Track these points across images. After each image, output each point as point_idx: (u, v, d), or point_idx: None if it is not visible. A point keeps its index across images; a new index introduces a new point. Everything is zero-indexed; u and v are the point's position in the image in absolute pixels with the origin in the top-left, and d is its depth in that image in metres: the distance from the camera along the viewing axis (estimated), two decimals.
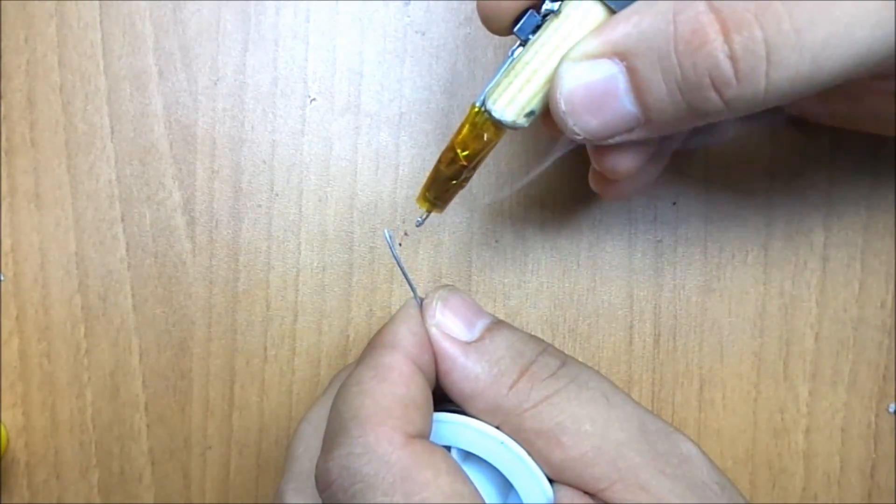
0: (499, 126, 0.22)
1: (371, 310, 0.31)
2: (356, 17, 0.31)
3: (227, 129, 0.31)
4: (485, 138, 0.22)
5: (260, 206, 0.31)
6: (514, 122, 0.22)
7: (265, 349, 0.32)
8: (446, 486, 0.20)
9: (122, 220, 0.31)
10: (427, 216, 0.25)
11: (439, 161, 0.24)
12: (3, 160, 0.31)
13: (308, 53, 0.31)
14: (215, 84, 0.31)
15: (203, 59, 0.31)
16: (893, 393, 0.30)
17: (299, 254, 0.31)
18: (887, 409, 0.30)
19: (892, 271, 0.30)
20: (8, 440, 0.32)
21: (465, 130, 0.23)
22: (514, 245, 0.31)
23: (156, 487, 0.32)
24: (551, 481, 0.22)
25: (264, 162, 0.31)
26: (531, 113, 0.22)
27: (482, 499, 0.21)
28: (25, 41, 0.31)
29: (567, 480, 0.22)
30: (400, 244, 0.31)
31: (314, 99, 0.31)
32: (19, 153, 0.31)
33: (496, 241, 0.31)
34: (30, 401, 0.32)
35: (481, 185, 0.31)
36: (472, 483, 0.21)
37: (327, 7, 0.31)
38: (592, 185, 0.26)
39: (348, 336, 0.31)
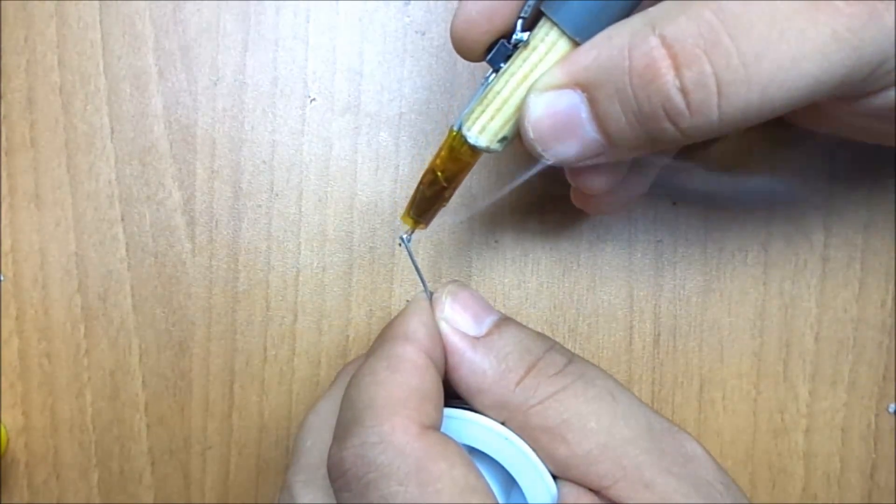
0: (474, 150, 0.23)
1: (371, 310, 0.31)
2: (356, 17, 0.31)
3: (226, 129, 0.31)
4: (462, 161, 0.23)
5: (260, 206, 0.31)
6: (487, 147, 0.23)
7: (265, 349, 0.32)
8: (460, 478, 0.20)
9: (122, 220, 0.31)
10: (412, 233, 0.26)
11: (421, 182, 0.24)
12: (3, 160, 0.31)
13: (308, 53, 0.31)
14: (215, 84, 0.31)
15: (203, 59, 0.31)
16: (893, 393, 0.30)
17: (299, 254, 0.31)
18: (887, 409, 0.30)
19: (892, 271, 0.30)
20: (8, 440, 0.32)
21: (443, 153, 0.24)
22: (514, 245, 0.31)
23: (156, 487, 0.32)
24: (555, 478, 0.22)
25: (264, 162, 0.31)
26: (504, 139, 0.23)
27: (493, 492, 0.21)
28: (25, 41, 0.31)
29: (572, 477, 0.22)
30: (400, 244, 0.31)
31: (314, 99, 0.31)
32: (19, 153, 0.31)
33: (496, 241, 0.31)
34: (30, 401, 0.32)
35: (481, 187, 0.31)
36: (483, 476, 0.21)
37: (327, 7, 0.31)
38: (574, 201, 0.27)
39: (348, 336, 0.31)
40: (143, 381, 0.32)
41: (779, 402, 0.31)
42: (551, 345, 0.24)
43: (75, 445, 0.32)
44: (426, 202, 0.25)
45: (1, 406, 0.32)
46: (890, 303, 0.30)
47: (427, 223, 0.25)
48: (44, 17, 0.31)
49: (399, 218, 0.25)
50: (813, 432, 0.30)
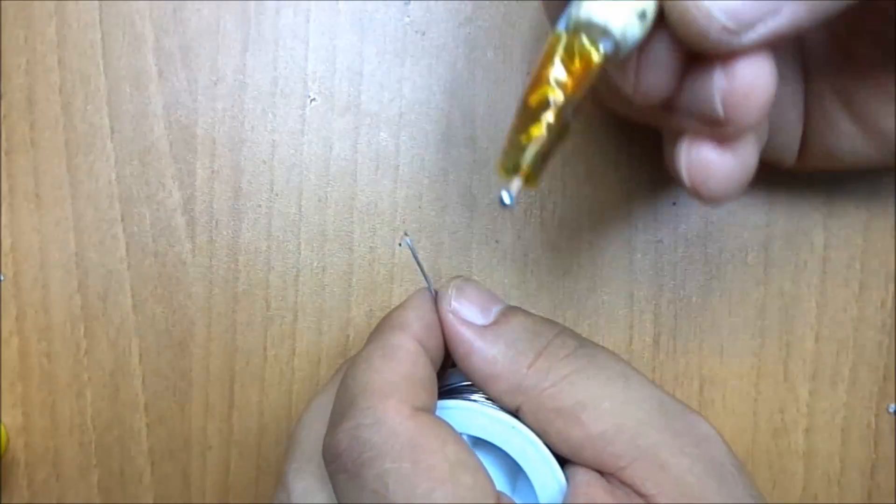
0: (595, 44, 0.16)
1: (371, 310, 0.31)
2: (356, 17, 0.31)
3: (226, 129, 0.31)
4: (582, 68, 0.17)
5: (260, 206, 0.31)
6: (622, 31, 0.16)
7: (265, 349, 0.32)
8: (452, 455, 0.20)
9: (122, 220, 0.31)
10: (516, 189, 0.18)
11: (523, 107, 0.17)
12: (3, 160, 0.31)
13: (308, 53, 0.31)
14: (215, 84, 0.31)
15: (203, 59, 0.31)
16: (893, 393, 0.30)
17: (299, 254, 0.31)
18: (887, 409, 0.30)
19: (892, 271, 0.30)
20: (8, 440, 0.32)
21: (559, 58, 0.17)
22: (514, 245, 0.31)
23: (156, 487, 0.32)
24: (564, 465, 0.23)
25: (264, 162, 0.31)
26: (644, 14, 0.17)
27: (486, 469, 0.21)
28: (25, 41, 0.31)
29: (586, 460, 0.22)
30: (399, 244, 0.31)
31: (314, 99, 0.31)
32: (19, 153, 0.31)
33: (496, 241, 0.31)
34: (30, 401, 0.32)
35: (480, 185, 0.31)
36: (476, 455, 0.21)
37: (327, 7, 0.31)
38: (691, 179, 0.20)
39: (348, 336, 0.31)
40: (143, 381, 0.32)
41: (779, 402, 0.31)
42: (561, 328, 0.24)
43: (75, 445, 0.32)
44: (530, 140, 0.17)
45: (1, 406, 0.32)
46: (890, 303, 0.30)
47: (537, 176, 0.18)
48: (44, 17, 0.31)
49: (496, 169, 0.18)
50: (813, 432, 0.30)
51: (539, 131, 0.17)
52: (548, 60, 0.17)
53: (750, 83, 0.18)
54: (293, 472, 0.24)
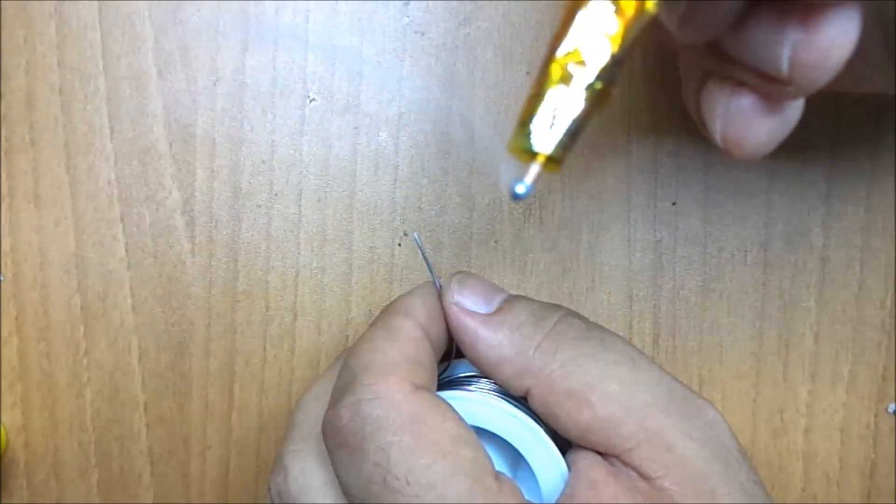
0: None
1: (370, 310, 0.31)
2: (356, 17, 0.31)
3: (226, 129, 0.31)
4: (635, 11, 0.13)
5: (259, 206, 0.31)
6: None
7: (264, 349, 0.32)
8: (452, 430, 0.21)
9: (122, 220, 0.31)
10: (534, 176, 0.14)
11: (548, 70, 0.13)
12: (2, 160, 0.31)
13: (307, 53, 0.31)
14: (214, 84, 0.31)
15: (202, 60, 0.31)
16: (893, 393, 0.30)
17: (298, 254, 0.31)
18: (887, 410, 0.30)
19: (892, 271, 0.30)
20: (7, 440, 0.32)
21: (591, 5, 0.12)
22: (513, 245, 0.31)
23: (155, 487, 0.32)
24: (565, 452, 0.23)
25: (263, 162, 0.31)
26: None
27: (483, 446, 0.21)
28: (25, 41, 0.31)
29: (593, 442, 0.22)
30: (399, 244, 0.31)
31: (313, 99, 0.31)
32: (19, 153, 0.31)
33: (496, 242, 0.31)
34: (29, 401, 0.32)
35: (480, 184, 0.31)
36: (473, 432, 0.21)
37: (327, 7, 0.31)
38: (725, 136, 0.17)
39: (347, 336, 0.31)
40: (142, 381, 0.32)
41: (778, 402, 0.31)
42: (566, 311, 0.24)
43: (75, 445, 0.32)
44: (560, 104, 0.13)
45: (1, 406, 0.32)
46: (889, 303, 0.30)
47: (565, 157, 0.14)
48: (44, 17, 0.31)
49: (508, 149, 0.15)
50: (812, 432, 0.30)
51: (571, 99, 0.13)
52: (581, 6, 0.13)
53: (832, 40, 0.14)
54: (290, 454, 0.24)
